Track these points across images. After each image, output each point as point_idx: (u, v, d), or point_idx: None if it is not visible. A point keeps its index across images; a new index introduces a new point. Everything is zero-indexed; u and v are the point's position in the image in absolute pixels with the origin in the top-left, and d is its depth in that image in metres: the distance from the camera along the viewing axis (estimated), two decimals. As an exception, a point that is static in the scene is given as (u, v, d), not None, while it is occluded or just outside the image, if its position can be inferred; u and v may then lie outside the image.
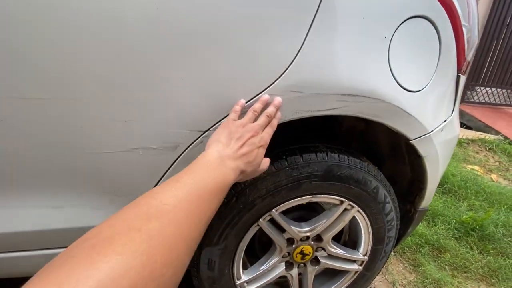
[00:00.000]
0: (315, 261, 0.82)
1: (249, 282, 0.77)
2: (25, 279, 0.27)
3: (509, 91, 3.94)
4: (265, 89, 0.53)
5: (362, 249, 0.83)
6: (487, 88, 3.84)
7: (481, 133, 3.01)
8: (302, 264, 0.82)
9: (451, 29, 0.65)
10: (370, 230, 0.80)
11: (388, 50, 0.58)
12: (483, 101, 3.86)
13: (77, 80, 0.47)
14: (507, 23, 3.56)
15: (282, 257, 0.77)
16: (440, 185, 1.86)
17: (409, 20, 0.58)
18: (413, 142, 0.69)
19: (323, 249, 0.81)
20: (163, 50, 0.48)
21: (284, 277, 0.81)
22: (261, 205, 0.65)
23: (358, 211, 0.75)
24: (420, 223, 1.42)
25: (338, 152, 0.68)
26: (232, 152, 0.48)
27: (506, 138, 2.90)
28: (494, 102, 3.90)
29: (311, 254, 0.79)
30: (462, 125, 3.33)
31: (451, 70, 0.70)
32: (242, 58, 0.51)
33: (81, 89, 0.48)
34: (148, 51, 0.48)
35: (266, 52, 0.52)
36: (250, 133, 0.50)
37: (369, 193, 0.73)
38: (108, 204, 0.58)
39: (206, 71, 0.51)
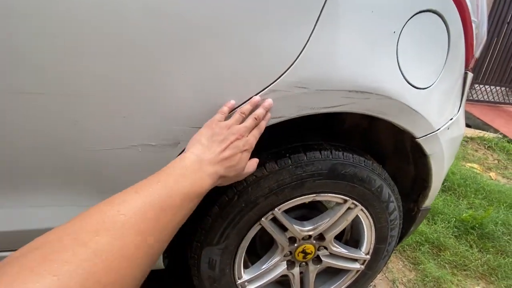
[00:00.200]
0: (317, 260, 0.81)
1: (250, 281, 0.76)
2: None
3: (508, 89, 3.94)
4: (269, 85, 0.52)
5: (364, 248, 0.82)
6: (486, 86, 3.84)
7: (480, 131, 3.01)
8: (303, 263, 0.81)
9: (461, 24, 0.63)
10: (373, 229, 0.79)
11: (397, 46, 0.56)
12: (482, 99, 3.86)
13: (76, 75, 0.45)
14: (508, 21, 3.54)
15: (284, 256, 0.76)
16: (440, 183, 1.86)
17: (418, 14, 0.56)
18: (419, 140, 0.67)
19: (325, 248, 0.80)
20: (163, 45, 0.46)
21: (285, 276, 0.80)
22: (264, 204, 0.64)
23: (361, 210, 0.74)
24: (420, 221, 1.42)
25: (343, 150, 0.67)
26: (213, 156, 0.45)
27: (504, 136, 2.90)
28: (493, 100, 3.90)
29: (313, 253, 0.78)
30: (461, 123, 3.32)
31: (459, 67, 0.68)
32: (245, 53, 0.49)
33: (79, 84, 0.46)
34: (148, 45, 0.45)
35: (270, 47, 0.50)
36: (235, 136, 0.48)
37: (373, 192, 0.71)
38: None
39: (207, 66, 0.49)
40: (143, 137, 0.51)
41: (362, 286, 0.91)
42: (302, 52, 0.51)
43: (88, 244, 0.28)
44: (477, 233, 1.48)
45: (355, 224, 0.82)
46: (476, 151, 2.63)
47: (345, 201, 0.71)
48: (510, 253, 1.39)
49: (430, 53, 0.62)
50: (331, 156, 0.65)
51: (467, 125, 3.33)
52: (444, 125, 0.69)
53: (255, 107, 0.52)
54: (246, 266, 0.76)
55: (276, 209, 0.66)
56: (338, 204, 0.73)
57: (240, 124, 0.50)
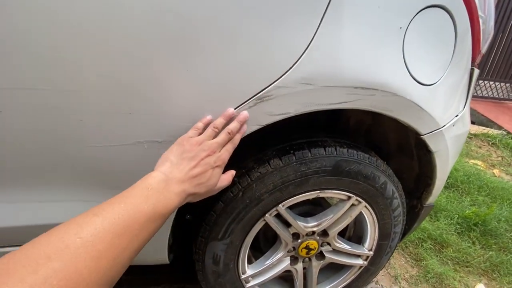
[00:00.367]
0: (320, 255, 0.82)
1: (254, 276, 0.76)
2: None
3: (512, 85, 3.91)
4: (274, 81, 0.51)
5: (367, 244, 0.82)
6: (490, 82, 3.80)
7: (484, 127, 2.99)
8: (307, 258, 0.81)
9: (468, 19, 0.62)
10: (376, 225, 0.79)
11: (403, 42, 0.56)
12: (486, 95, 3.83)
13: (80, 71, 0.45)
14: (513, 16, 3.49)
15: (287, 251, 0.77)
16: (443, 179, 1.85)
17: (425, 9, 0.56)
18: (424, 137, 0.67)
19: (329, 244, 0.80)
20: (169, 40, 0.46)
21: (288, 271, 0.81)
22: (268, 200, 0.64)
23: (365, 206, 0.74)
24: (423, 218, 1.42)
25: (347, 147, 0.67)
26: (182, 174, 0.44)
27: (508, 133, 2.88)
28: (497, 96, 3.86)
29: (316, 249, 0.78)
30: (464, 119, 3.30)
31: (465, 63, 0.67)
32: (250, 50, 0.49)
33: (84, 80, 0.46)
34: (153, 41, 0.45)
35: (276, 43, 0.50)
36: (206, 152, 0.47)
37: (377, 188, 0.71)
38: (112, 198, 0.57)
39: (212, 63, 0.48)
40: (149, 134, 0.52)
41: (364, 281, 0.91)
42: (308, 48, 0.51)
43: (39, 271, 0.28)
44: (480, 230, 1.48)
45: (359, 221, 0.82)
46: (480, 147, 2.61)
47: (349, 197, 0.71)
48: (512, 250, 1.39)
49: (436, 49, 0.61)
50: (335, 153, 0.65)
51: (471, 122, 3.31)
52: (449, 122, 0.69)
53: (230, 120, 0.51)
54: (250, 262, 0.77)
55: (280, 205, 0.66)
56: (342, 200, 0.73)
57: (212, 139, 0.49)
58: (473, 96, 3.75)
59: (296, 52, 0.51)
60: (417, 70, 0.59)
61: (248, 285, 0.77)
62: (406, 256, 1.30)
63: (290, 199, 0.67)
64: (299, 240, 0.75)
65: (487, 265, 1.30)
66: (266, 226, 0.70)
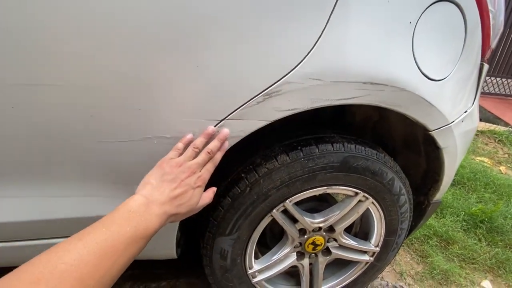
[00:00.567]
0: (327, 251, 0.82)
1: (260, 271, 0.77)
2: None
3: (520, 81, 3.85)
4: (283, 77, 0.51)
5: (374, 240, 0.82)
6: (498, 79, 3.75)
7: (491, 124, 2.95)
8: (313, 254, 0.81)
9: (478, 14, 0.61)
10: (383, 221, 0.79)
11: (412, 37, 0.55)
12: (493, 91, 3.78)
13: (91, 67, 0.45)
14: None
15: (294, 247, 0.77)
16: (449, 176, 1.84)
17: (435, 4, 0.55)
18: (432, 133, 0.67)
19: (335, 240, 0.80)
20: (178, 36, 0.46)
21: (295, 266, 0.81)
22: (275, 196, 0.64)
23: (372, 202, 0.74)
24: (429, 215, 1.41)
25: (355, 143, 0.67)
26: (163, 196, 0.45)
27: (515, 129, 2.85)
28: (504, 93, 3.81)
29: (322, 244, 0.79)
30: (470, 116, 3.27)
31: (475, 58, 0.67)
32: (259, 45, 0.49)
33: (94, 76, 0.46)
34: (163, 37, 0.45)
35: (284, 38, 0.49)
36: (186, 174, 0.47)
37: (384, 184, 0.71)
38: (121, 193, 0.57)
39: (221, 58, 0.48)
40: (158, 130, 0.52)
41: (370, 277, 0.91)
42: (317, 43, 0.51)
43: None
44: (486, 227, 1.47)
45: (365, 217, 0.82)
46: (486, 144, 2.59)
47: (356, 193, 0.71)
48: (519, 247, 1.39)
49: (446, 44, 0.60)
50: (343, 149, 0.65)
51: (477, 119, 3.27)
52: (458, 117, 0.68)
53: (210, 138, 0.51)
54: (256, 257, 0.77)
55: (287, 201, 0.66)
56: (349, 196, 0.73)
57: (193, 159, 0.49)
58: (480, 92, 3.71)
59: (305, 48, 0.51)
60: (426, 65, 0.58)
61: (255, 280, 0.77)
62: (412, 252, 1.30)
63: (297, 195, 0.67)
64: (306, 236, 0.76)
65: (493, 262, 1.29)
66: (273, 221, 0.70)
